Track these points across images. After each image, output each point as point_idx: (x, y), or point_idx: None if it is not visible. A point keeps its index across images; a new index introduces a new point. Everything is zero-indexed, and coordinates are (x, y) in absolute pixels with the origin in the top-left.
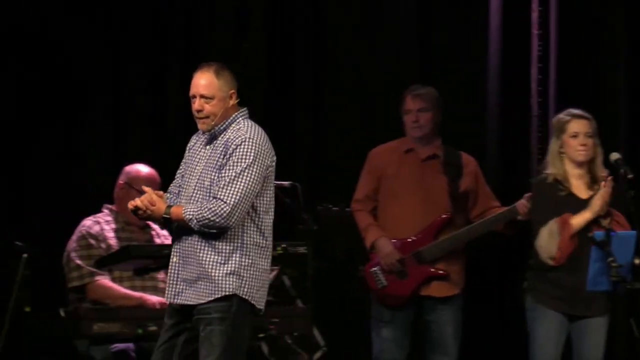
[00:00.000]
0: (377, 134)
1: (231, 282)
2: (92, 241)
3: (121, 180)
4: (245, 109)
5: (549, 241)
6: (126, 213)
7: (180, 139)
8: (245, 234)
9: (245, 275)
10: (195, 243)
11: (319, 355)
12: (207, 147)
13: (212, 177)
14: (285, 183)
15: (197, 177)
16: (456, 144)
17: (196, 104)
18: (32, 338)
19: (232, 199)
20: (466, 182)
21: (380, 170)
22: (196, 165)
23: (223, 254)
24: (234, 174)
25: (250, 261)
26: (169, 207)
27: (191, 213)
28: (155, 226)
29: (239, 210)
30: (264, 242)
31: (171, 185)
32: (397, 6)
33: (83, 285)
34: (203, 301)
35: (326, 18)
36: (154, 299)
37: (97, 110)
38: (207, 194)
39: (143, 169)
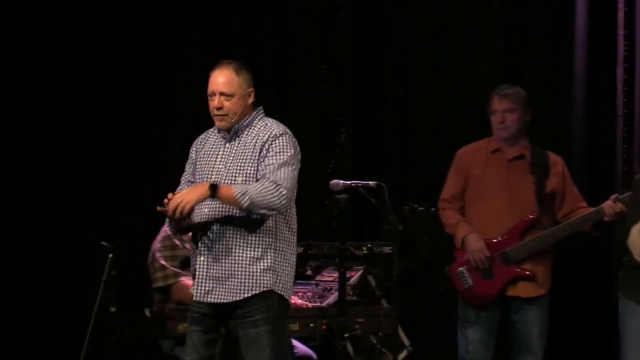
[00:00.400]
0: (464, 134)
1: (268, 278)
2: (177, 242)
3: None
4: (261, 107)
5: (638, 240)
6: None
7: None
8: (277, 230)
9: (279, 270)
10: (229, 240)
11: (404, 356)
12: (228, 144)
13: (248, 171)
14: (372, 183)
15: (224, 174)
16: (542, 144)
17: (215, 102)
18: (117, 338)
19: (287, 183)
20: (553, 183)
21: (466, 170)
22: (214, 164)
23: (259, 250)
24: (280, 161)
25: (283, 256)
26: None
27: (243, 190)
28: None
29: (291, 195)
30: (292, 237)
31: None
32: (484, 6)
33: (167, 285)
34: (239, 298)
35: (414, 19)
36: None
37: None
38: None
39: None
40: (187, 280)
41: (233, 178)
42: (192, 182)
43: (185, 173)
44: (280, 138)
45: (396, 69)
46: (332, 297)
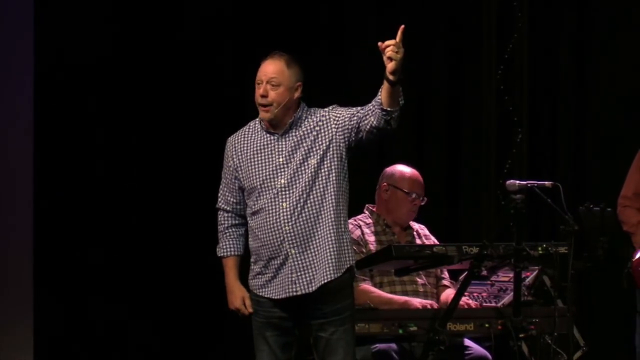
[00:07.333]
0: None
1: None
2: (354, 247)
3: (385, 182)
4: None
5: None
6: (389, 215)
7: (442, 141)
8: None
9: None
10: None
11: (579, 356)
12: (283, 138)
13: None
14: (547, 183)
15: (291, 168)
16: None
17: (261, 89)
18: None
19: None
20: None
21: None
22: (272, 160)
23: None
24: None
25: None
26: None
27: None
28: (416, 227)
29: None
30: None
31: (222, 197)
32: None
33: None
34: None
35: (588, 17)
36: (416, 302)
37: None
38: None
39: (406, 169)
40: (365, 285)
41: (315, 174)
42: (237, 179)
43: (227, 180)
44: (335, 105)
45: (570, 67)
46: (507, 298)
